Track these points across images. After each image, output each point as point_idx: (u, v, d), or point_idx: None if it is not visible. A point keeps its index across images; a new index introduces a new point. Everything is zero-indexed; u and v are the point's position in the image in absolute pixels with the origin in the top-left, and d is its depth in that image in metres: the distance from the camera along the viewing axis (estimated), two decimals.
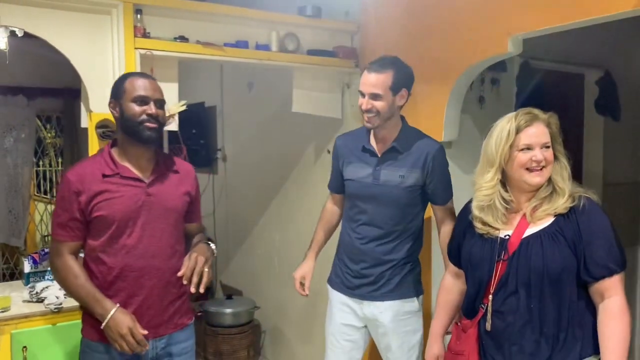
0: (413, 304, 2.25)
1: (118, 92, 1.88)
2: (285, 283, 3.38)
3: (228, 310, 3.71)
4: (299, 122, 3.29)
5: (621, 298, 1.60)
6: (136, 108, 1.83)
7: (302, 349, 3.63)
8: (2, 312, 2.16)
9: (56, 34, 2.32)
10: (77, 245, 1.86)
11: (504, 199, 1.71)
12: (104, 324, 1.75)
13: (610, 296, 1.60)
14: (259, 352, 4.06)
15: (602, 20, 2.03)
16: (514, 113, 1.73)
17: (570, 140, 3.27)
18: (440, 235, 2.29)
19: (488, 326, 1.70)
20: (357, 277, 2.24)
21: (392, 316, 2.21)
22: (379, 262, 2.20)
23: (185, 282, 1.79)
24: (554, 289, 1.62)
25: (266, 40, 2.79)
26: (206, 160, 4.46)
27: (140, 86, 1.85)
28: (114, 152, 1.89)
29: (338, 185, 2.36)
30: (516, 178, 1.69)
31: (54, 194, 6.19)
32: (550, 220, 1.66)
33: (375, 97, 2.09)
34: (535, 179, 1.66)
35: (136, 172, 1.87)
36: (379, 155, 2.20)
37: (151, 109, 1.84)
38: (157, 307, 1.86)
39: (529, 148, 1.65)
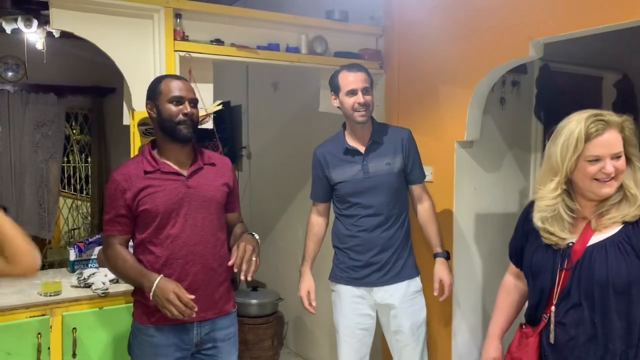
0: (416, 283, 2.43)
1: (154, 94, 2.01)
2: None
3: (254, 302, 3.86)
4: (322, 121, 3.41)
5: None
6: (173, 108, 1.96)
7: (324, 340, 3.76)
8: (54, 295, 2.32)
9: (103, 37, 2.47)
10: (126, 239, 2.01)
11: (569, 207, 1.60)
12: (151, 294, 1.85)
13: None
14: (282, 342, 4.21)
15: (622, 27, 2.11)
16: (583, 116, 1.55)
17: None
18: (418, 213, 2.50)
19: (551, 338, 1.61)
20: (366, 266, 2.38)
21: (401, 297, 2.38)
22: (384, 247, 2.37)
23: (235, 269, 1.91)
24: (621, 303, 1.51)
25: (296, 43, 2.93)
26: (231, 158, 4.58)
27: (176, 87, 1.97)
28: (154, 151, 2.03)
29: (323, 193, 2.51)
30: (583, 188, 1.57)
31: (80, 190, 6.39)
32: (617, 228, 1.55)
33: (366, 90, 2.34)
34: (605, 189, 1.54)
35: (175, 167, 2.00)
36: (363, 152, 2.38)
37: (186, 108, 1.97)
38: (201, 292, 1.96)
39: (598, 159, 1.51)
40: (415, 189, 2.48)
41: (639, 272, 1.49)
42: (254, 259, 1.94)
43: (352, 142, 2.42)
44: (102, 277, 2.43)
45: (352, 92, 2.33)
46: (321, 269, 2.63)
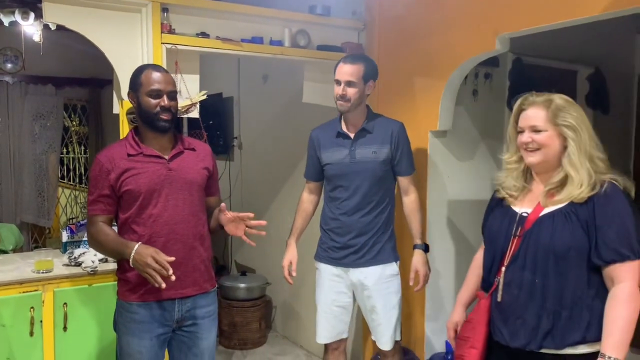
0: (392, 268, 2.55)
1: (135, 85, 2.07)
2: (300, 261, 3.66)
3: (242, 285, 4.02)
4: (310, 112, 3.54)
5: (631, 284, 1.58)
6: (151, 101, 2.02)
7: (311, 324, 3.88)
8: (47, 272, 2.47)
9: (93, 30, 2.61)
10: (109, 218, 2.10)
11: (521, 174, 1.80)
12: (131, 260, 1.93)
13: (620, 282, 1.58)
14: (270, 326, 4.36)
15: (586, 21, 2.23)
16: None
17: None
18: (404, 204, 2.60)
19: (499, 297, 1.74)
20: (344, 248, 2.53)
21: (375, 280, 2.51)
22: (362, 231, 2.50)
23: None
24: (560, 266, 1.64)
25: (279, 37, 3.06)
26: (223, 148, 4.75)
27: (154, 80, 2.03)
28: (137, 137, 2.12)
29: (315, 172, 2.66)
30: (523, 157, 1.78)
31: (77, 181, 6.53)
32: (567, 202, 1.67)
33: (349, 84, 2.43)
34: (528, 158, 1.73)
35: (157, 152, 2.09)
36: (352, 137, 2.51)
37: (164, 101, 2.03)
38: (182, 270, 2.03)
39: (522, 131, 1.73)
40: (402, 180, 2.57)
41: (581, 239, 1.63)
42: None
43: (344, 127, 2.56)
44: (91, 256, 2.57)
45: (337, 82, 2.47)
46: (312, 253, 2.73)
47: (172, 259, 1.93)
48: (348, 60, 2.48)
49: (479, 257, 2.01)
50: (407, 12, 3.04)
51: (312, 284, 2.72)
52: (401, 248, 2.68)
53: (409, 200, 2.59)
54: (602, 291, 1.64)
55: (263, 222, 2.08)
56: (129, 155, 2.06)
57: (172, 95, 2.09)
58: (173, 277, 1.91)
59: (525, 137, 1.72)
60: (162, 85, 2.05)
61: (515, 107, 1.77)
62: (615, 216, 1.60)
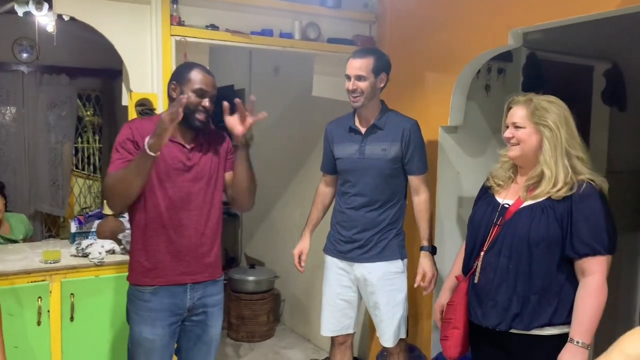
0: (398, 265, 2.51)
1: (182, 78, 2.12)
2: (311, 255, 3.65)
3: (250, 278, 4.03)
4: (320, 105, 3.53)
5: (600, 277, 1.71)
6: (194, 98, 2.08)
7: (318, 317, 3.90)
8: (54, 262, 2.48)
9: (102, 21, 2.61)
10: None
11: (510, 166, 1.95)
12: (158, 132, 1.90)
13: (591, 274, 1.72)
14: (278, 319, 4.37)
15: (600, 16, 2.18)
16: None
17: (577, 128, 3.43)
18: (414, 204, 2.56)
19: (476, 279, 1.90)
20: (349, 242, 2.52)
21: (379, 276, 2.48)
22: (367, 226, 2.48)
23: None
24: (532, 254, 1.78)
25: (289, 29, 3.04)
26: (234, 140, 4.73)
27: (203, 81, 2.10)
28: None
29: (330, 166, 2.65)
30: None
31: (92, 170, 6.59)
32: (545, 197, 1.80)
33: (359, 78, 2.40)
34: (509, 152, 1.90)
35: (181, 139, 2.13)
36: (363, 133, 2.48)
37: (206, 102, 2.10)
38: (193, 255, 2.11)
39: (507, 127, 1.91)
40: (413, 179, 2.53)
41: (555, 231, 1.77)
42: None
43: (357, 122, 2.54)
44: (98, 248, 2.59)
45: (347, 77, 2.45)
46: (322, 247, 2.72)
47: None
48: (357, 54, 2.46)
49: (464, 246, 2.13)
50: (419, 5, 2.99)
51: (321, 278, 2.72)
52: (411, 246, 2.65)
53: (419, 201, 2.54)
54: (569, 280, 1.78)
55: (264, 114, 2.18)
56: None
57: (213, 99, 2.15)
58: (184, 100, 1.93)
59: (508, 132, 1.89)
60: (209, 87, 2.12)
61: (505, 105, 1.94)
62: (590, 214, 1.74)
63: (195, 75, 2.11)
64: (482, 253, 1.90)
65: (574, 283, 1.77)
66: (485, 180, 2.05)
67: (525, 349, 1.82)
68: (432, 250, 2.57)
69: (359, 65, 2.41)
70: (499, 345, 1.88)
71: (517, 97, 1.91)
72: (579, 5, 2.19)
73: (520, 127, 1.85)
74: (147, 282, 2.09)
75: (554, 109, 1.82)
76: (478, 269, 1.90)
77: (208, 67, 2.87)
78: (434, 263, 2.55)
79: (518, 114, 1.86)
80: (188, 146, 2.13)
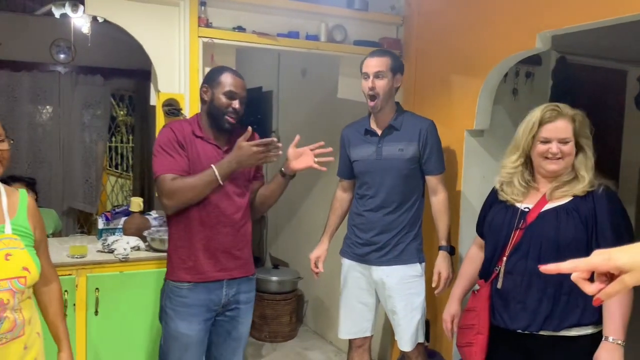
0: (416, 269, 2.50)
1: (213, 81, 2.19)
2: (327, 258, 3.65)
3: (274, 278, 4.05)
4: (347, 108, 3.53)
5: None
6: (224, 100, 2.15)
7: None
8: (80, 257, 2.55)
9: (132, 23, 2.67)
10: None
11: (524, 178, 1.92)
12: (237, 163, 2.08)
13: None
14: (301, 320, 4.38)
15: (634, 19, 2.11)
16: (545, 105, 1.91)
17: (609, 133, 3.37)
18: (432, 204, 2.55)
19: (499, 284, 1.88)
20: (367, 244, 2.51)
21: (397, 279, 2.47)
22: (385, 229, 2.47)
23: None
24: (562, 256, 1.76)
25: (316, 31, 3.05)
26: None
27: (233, 83, 2.17)
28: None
29: (347, 170, 2.64)
30: (536, 164, 1.90)
31: (124, 169, 6.73)
32: (568, 199, 1.83)
33: (378, 75, 2.40)
34: (551, 166, 1.85)
35: (216, 141, 2.20)
36: (379, 135, 2.48)
37: (236, 104, 2.16)
38: (229, 252, 2.18)
39: (548, 141, 1.84)
40: (430, 179, 2.53)
41: (581, 232, 1.79)
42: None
43: (372, 124, 2.54)
44: (124, 244, 2.64)
45: (365, 76, 2.45)
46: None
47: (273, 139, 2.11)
48: (374, 54, 2.48)
49: (472, 253, 2.17)
50: (446, 7, 2.96)
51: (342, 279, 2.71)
52: (428, 250, 2.63)
53: (437, 201, 2.53)
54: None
55: (329, 149, 2.22)
56: (194, 135, 2.18)
57: (243, 100, 2.20)
58: (280, 144, 2.09)
59: (555, 147, 1.83)
60: (238, 90, 2.18)
61: (538, 117, 1.86)
62: (613, 215, 1.78)
63: (226, 78, 2.17)
64: (504, 258, 1.89)
65: None
66: (494, 190, 2.03)
67: (550, 350, 1.83)
68: (451, 251, 2.55)
69: (377, 63, 2.42)
70: (521, 347, 1.88)
71: (556, 109, 1.86)
72: (611, 7, 2.14)
73: (569, 142, 1.84)
74: (186, 278, 2.15)
75: (586, 119, 1.87)
76: (501, 274, 1.89)
77: (234, 69, 2.94)
78: (451, 264, 2.53)
79: (567, 128, 1.83)
80: (222, 148, 2.19)
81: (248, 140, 2.09)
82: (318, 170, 2.26)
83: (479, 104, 2.75)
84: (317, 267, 2.65)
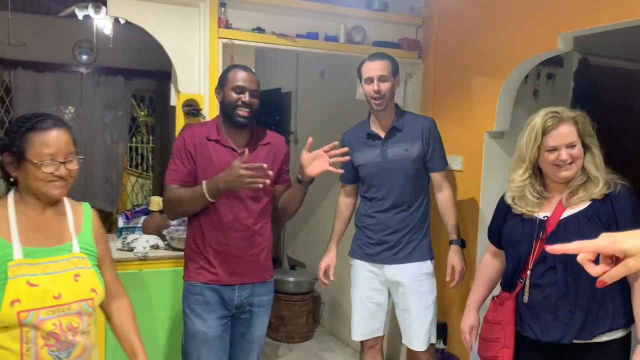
0: (427, 266, 2.51)
1: (223, 81, 2.22)
2: (344, 260, 3.65)
3: (291, 279, 4.05)
4: (365, 108, 3.51)
5: None
6: (233, 95, 2.15)
7: None
8: None
9: (153, 24, 2.70)
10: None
11: (535, 189, 1.86)
12: (223, 185, 2.00)
13: None
14: (318, 321, 4.38)
15: None
16: (543, 112, 1.83)
17: (632, 136, 3.30)
18: (438, 201, 2.56)
19: (525, 298, 1.85)
20: (378, 244, 2.51)
21: (410, 277, 2.47)
22: (398, 228, 2.48)
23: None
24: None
25: (335, 32, 3.05)
26: None
27: (241, 77, 2.17)
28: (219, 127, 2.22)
29: (349, 175, 2.64)
30: (547, 172, 1.86)
31: (144, 169, 6.80)
32: (586, 204, 1.80)
33: (382, 78, 2.42)
34: (564, 173, 1.81)
35: (232, 143, 2.19)
36: (383, 137, 2.48)
37: (246, 97, 2.15)
38: (242, 257, 2.17)
39: (555, 149, 1.79)
40: (435, 176, 2.54)
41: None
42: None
43: (374, 128, 2.55)
44: (143, 243, 2.67)
45: (369, 80, 2.45)
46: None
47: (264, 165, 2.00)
48: (375, 57, 2.49)
49: (485, 261, 2.13)
50: (466, 8, 2.94)
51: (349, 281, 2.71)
52: (435, 247, 2.63)
53: (443, 197, 2.55)
54: (619, 283, 1.74)
55: (345, 149, 2.19)
56: (208, 139, 2.18)
57: (254, 93, 2.19)
58: (270, 172, 2.00)
59: (564, 154, 1.78)
60: (247, 83, 2.17)
61: (539, 126, 1.80)
62: (634, 215, 1.75)
63: (233, 74, 2.18)
64: (528, 271, 1.85)
65: (621, 286, 1.78)
66: (504, 198, 1.98)
67: (580, 357, 1.82)
68: (462, 244, 2.53)
69: (380, 67, 2.44)
70: (550, 355, 1.86)
71: (556, 115, 1.80)
72: (634, 7, 2.10)
73: (575, 145, 1.80)
74: (199, 279, 2.18)
75: (587, 117, 1.85)
76: (527, 287, 1.85)
77: (254, 69, 2.95)
78: (463, 257, 2.53)
79: (571, 132, 1.80)
80: (239, 150, 2.18)
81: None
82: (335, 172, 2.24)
83: (499, 105, 2.73)
84: (326, 276, 2.64)
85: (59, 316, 1.44)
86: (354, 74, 3.40)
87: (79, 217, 1.61)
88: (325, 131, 4.35)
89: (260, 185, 1.97)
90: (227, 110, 2.18)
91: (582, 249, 0.91)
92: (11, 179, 1.51)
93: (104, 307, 1.67)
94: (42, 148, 1.45)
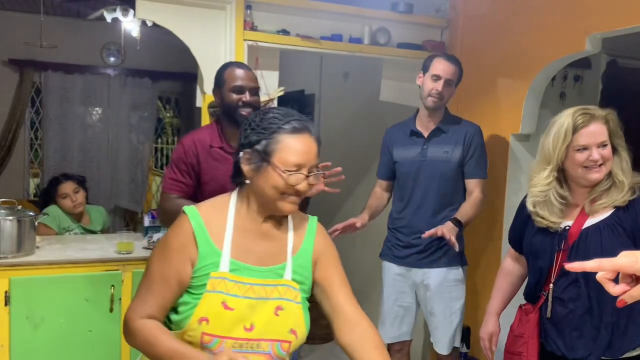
0: (457, 272, 2.47)
1: (219, 81, 2.16)
2: (365, 262, 3.63)
3: None
4: (389, 111, 3.51)
5: None
6: (233, 96, 2.09)
7: (376, 324, 3.88)
8: (127, 253, 2.63)
9: (180, 26, 2.73)
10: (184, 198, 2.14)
11: (559, 194, 1.73)
12: None
13: None
14: None
15: None
16: (572, 110, 1.72)
17: None
18: (466, 201, 2.44)
19: (548, 313, 1.76)
20: (408, 246, 2.49)
21: (438, 282, 2.44)
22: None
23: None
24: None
25: (359, 34, 3.05)
26: None
27: (238, 76, 2.10)
28: (221, 130, 2.17)
29: (387, 171, 2.62)
30: (574, 175, 1.72)
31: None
32: (609, 212, 1.69)
33: (449, 83, 2.41)
34: (594, 175, 1.68)
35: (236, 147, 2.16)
36: (425, 136, 2.46)
37: (246, 97, 2.10)
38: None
39: (585, 148, 1.67)
40: (469, 183, 2.48)
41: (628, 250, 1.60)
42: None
43: (419, 126, 2.53)
44: None
45: (437, 77, 2.42)
46: (378, 253, 2.71)
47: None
48: (451, 59, 2.47)
49: (507, 265, 2.03)
50: (492, 9, 2.92)
51: (380, 283, 2.70)
52: (470, 255, 2.60)
53: (470, 200, 2.43)
54: None
55: (339, 169, 2.06)
56: (211, 146, 2.12)
57: (254, 91, 2.14)
58: None
59: (596, 154, 1.67)
60: (245, 82, 2.11)
61: (569, 124, 1.68)
62: None
63: (229, 74, 2.12)
64: (550, 284, 1.76)
65: None
66: (525, 202, 1.85)
67: None
68: (458, 225, 2.34)
69: (452, 71, 2.43)
70: None
71: (587, 112, 1.69)
72: None
73: (606, 145, 1.69)
74: None
75: (617, 117, 1.74)
76: (550, 300, 1.76)
77: (278, 72, 2.98)
78: (455, 232, 2.30)
79: (603, 131, 1.68)
80: None
81: None
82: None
83: (525, 107, 2.70)
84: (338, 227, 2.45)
85: (245, 352, 1.21)
86: (378, 75, 3.42)
87: (300, 235, 1.34)
88: (349, 133, 4.38)
89: None
90: (228, 112, 2.11)
91: (601, 267, 0.86)
92: (246, 180, 1.28)
93: (338, 336, 1.35)
94: (291, 155, 1.22)
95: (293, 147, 1.23)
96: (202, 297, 1.20)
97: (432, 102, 2.43)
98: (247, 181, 1.27)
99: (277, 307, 1.24)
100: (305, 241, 1.33)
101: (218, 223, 1.24)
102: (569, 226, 1.74)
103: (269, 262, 1.27)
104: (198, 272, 1.22)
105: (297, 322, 1.27)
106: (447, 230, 2.25)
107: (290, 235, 1.32)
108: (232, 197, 1.30)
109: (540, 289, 1.81)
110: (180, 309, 1.24)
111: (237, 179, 1.32)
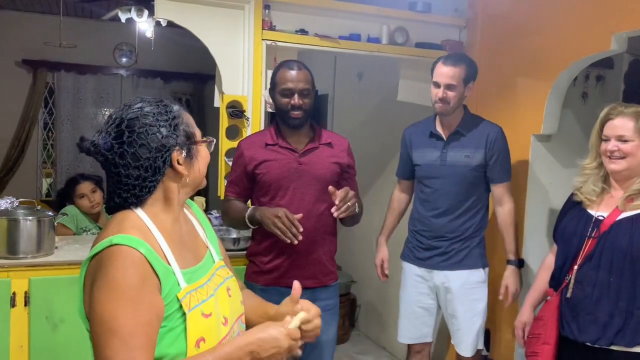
0: (479, 274, 2.44)
1: (272, 83, 2.18)
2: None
3: None
4: (404, 111, 3.49)
5: None
6: (283, 100, 2.11)
7: (394, 325, 3.85)
8: None
9: (199, 26, 2.72)
10: (242, 200, 2.22)
11: (599, 178, 1.89)
12: (261, 217, 2.02)
13: None
14: (354, 324, 4.36)
15: None
16: (612, 105, 1.89)
17: None
18: (497, 215, 2.47)
19: (568, 293, 1.84)
20: (429, 249, 2.46)
21: (459, 284, 2.42)
22: (450, 234, 2.42)
23: (334, 210, 1.98)
24: (636, 269, 1.73)
25: (377, 34, 3.03)
26: None
27: (288, 78, 2.10)
28: (277, 129, 2.20)
29: (406, 171, 2.60)
30: (605, 164, 1.87)
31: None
32: None
33: (449, 87, 2.33)
34: (611, 165, 1.82)
35: (292, 144, 2.15)
36: (445, 139, 2.42)
37: (294, 99, 2.09)
38: (302, 262, 2.11)
39: (607, 139, 1.83)
40: (495, 189, 2.45)
41: None
42: (349, 203, 1.99)
43: (438, 128, 2.48)
44: None
45: (435, 85, 2.39)
46: (398, 253, 2.69)
47: (300, 215, 1.99)
48: (449, 61, 2.37)
49: (549, 260, 2.09)
50: (512, 8, 2.89)
51: (398, 285, 2.68)
52: (492, 255, 2.57)
53: (503, 212, 2.45)
54: None
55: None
56: (266, 144, 2.16)
57: (305, 92, 2.13)
58: (300, 238, 1.97)
59: (611, 145, 1.81)
60: (294, 84, 2.11)
61: (602, 115, 1.87)
62: None
63: (280, 76, 2.13)
64: (575, 267, 1.84)
65: None
66: (572, 194, 1.99)
67: None
68: (519, 264, 2.47)
69: (451, 74, 2.34)
70: None
71: (619, 107, 1.84)
72: None
73: (629, 141, 1.79)
74: (258, 280, 2.17)
75: None
76: (571, 283, 1.85)
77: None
78: (520, 278, 2.46)
79: (626, 126, 1.79)
80: (299, 151, 2.14)
81: None
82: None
83: (547, 107, 2.66)
84: (383, 271, 2.61)
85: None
86: (394, 75, 3.39)
87: (197, 220, 1.35)
88: (362, 134, 4.35)
89: (288, 241, 1.98)
90: (280, 115, 2.16)
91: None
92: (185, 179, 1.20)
93: None
94: (195, 127, 1.25)
95: (191, 120, 1.25)
96: (186, 322, 1.10)
97: (439, 108, 2.39)
98: (185, 178, 1.20)
99: (227, 289, 1.26)
100: (202, 223, 1.36)
101: (150, 242, 1.12)
102: (603, 216, 1.83)
103: (201, 255, 1.26)
104: (166, 298, 1.10)
105: (239, 292, 1.31)
106: (512, 284, 2.43)
107: (195, 222, 1.32)
108: (139, 214, 1.16)
109: (565, 273, 1.89)
110: (165, 344, 1.10)
111: (137, 198, 1.17)
